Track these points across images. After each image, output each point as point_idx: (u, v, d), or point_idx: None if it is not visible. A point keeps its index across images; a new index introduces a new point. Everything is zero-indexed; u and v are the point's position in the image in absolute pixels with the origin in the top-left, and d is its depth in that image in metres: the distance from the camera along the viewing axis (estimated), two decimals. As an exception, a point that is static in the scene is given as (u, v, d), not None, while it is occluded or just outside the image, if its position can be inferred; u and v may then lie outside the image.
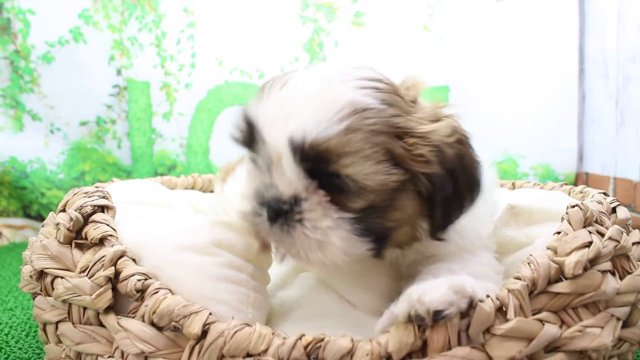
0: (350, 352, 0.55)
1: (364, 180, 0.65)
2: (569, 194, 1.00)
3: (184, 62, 1.86)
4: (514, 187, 1.22)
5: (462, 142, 0.75)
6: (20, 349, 0.91)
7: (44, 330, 0.70)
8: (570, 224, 0.67)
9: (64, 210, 0.75)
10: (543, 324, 0.58)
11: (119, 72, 1.85)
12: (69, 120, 1.85)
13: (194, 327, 0.57)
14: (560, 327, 0.59)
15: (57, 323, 0.67)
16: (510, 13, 1.84)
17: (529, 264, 0.62)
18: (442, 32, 1.85)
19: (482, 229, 0.79)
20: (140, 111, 1.85)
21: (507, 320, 0.57)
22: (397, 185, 0.67)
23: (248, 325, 0.57)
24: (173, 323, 0.58)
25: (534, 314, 0.59)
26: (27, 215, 1.87)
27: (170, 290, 0.62)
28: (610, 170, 1.65)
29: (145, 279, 0.62)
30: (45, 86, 1.83)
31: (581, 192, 0.96)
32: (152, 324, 0.60)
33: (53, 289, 0.67)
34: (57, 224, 0.70)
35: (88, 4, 1.82)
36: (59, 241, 0.70)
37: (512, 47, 1.85)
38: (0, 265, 1.48)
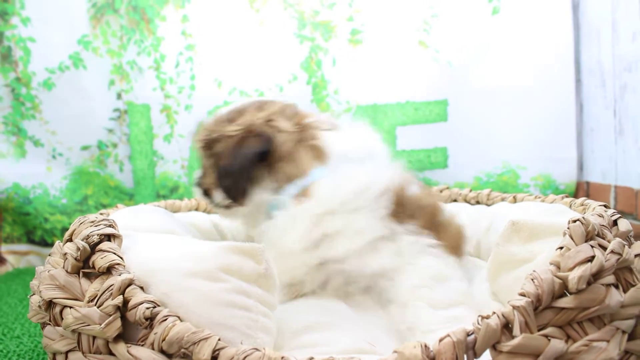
0: (360, 374, 0.55)
1: None
2: (570, 206, 1.00)
3: (184, 84, 1.87)
4: (515, 200, 1.23)
5: None
6: (29, 377, 0.92)
7: (54, 360, 0.71)
8: (572, 238, 0.67)
9: (70, 240, 0.75)
10: (549, 340, 0.59)
11: (119, 96, 1.87)
12: (70, 145, 1.86)
13: (204, 353, 0.57)
14: (566, 341, 0.60)
15: (67, 353, 0.68)
16: (505, 26, 1.85)
17: (532, 279, 0.62)
18: (439, 47, 1.86)
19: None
20: (141, 134, 1.86)
21: (513, 337, 0.58)
22: None
23: (257, 349, 0.57)
24: (183, 350, 0.59)
25: (539, 330, 0.60)
26: (31, 241, 1.88)
27: (179, 317, 0.62)
28: (611, 178, 1.66)
29: (154, 307, 0.63)
30: (47, 112, 1.84)
31: (582, 205, 0.97)
32: (162, 351, 0.60)
33: (62, 318, 0.68)
34: (65, 253, 0.71)
35: (87, 30, 1.84)
36: (66, 271, 0.70)
37: (508, 59, 1.86)
38: (6, 292, 1.48)
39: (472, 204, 1.35)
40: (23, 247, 1.88)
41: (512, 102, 1.87)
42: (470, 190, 1.38)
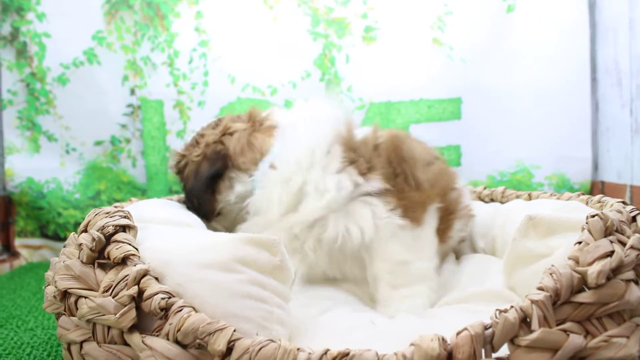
0: (376, 366, 0.55)
1: None
2: (587, 203, 0.99)
3: (197, 80, 1.87)
4: (530, 198, 1.22)
5: None
6: (42, 369, 0.92)
7: (69, 350, 0.71)
8: (591, 233, 0.66)
9: (85, 231, 0.75)
10: (568, 335, 0.58)
11: (132, 92, 1.87)
12: (84, 140, 1.87)
13: (219, 344, 0.57)
14: (585, 337, 0.59)
15: (81, 343, 0.68)
16: (520, 24, 1.84)
17: (551, 274, 0.62)
18: (453, 45, 1.85)
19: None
20: (154, 130, 1.86)
21: (531, 331, 0.57)
22: None
23: (273, 341, 0.57)
24: (198, 340, 0.58)
25: (557, 325, 0.59)
26: (44, 235, 1.88)
27: (194, 308, 0.62)
28: (627, 178, 1.64)
29: (169, 297, 0.62)
30: (61, 107, 1.85)
31: (599, 202, 0.95)
32: (177, 341, 0.60)
33: (77, 308, 0.68)
34: (80, 244, 0.71)
35: (101, 26, 1.85)
36: (81, 261, 0.70)
37: (523, 57, 1.85)
38: (20, 285, 1.49)
39: (486, 202, 1.34)
40: (36, 241, 1.89)
41: (526, 100, 1.86)
42: (485, 188, 1.36)
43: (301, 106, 1.15)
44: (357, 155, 1.00)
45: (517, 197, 1.25)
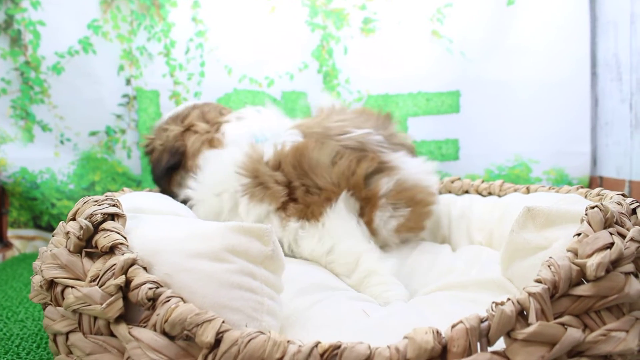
0: (368, 359, 0.53)
1: None
2: (586, 196, 0.98)
3: (193, 70, 1.86)
4: (528, 191, 1.20)
5: None
6: (31, 360, 0.90)
7: (54, 341, 0.69)
8: (590, 225, 0.65)
9: (74, 219, 0.74)
10: (566, 328, 0.56)
11: (128, 82, 1.85)
12: (78, 130, 1.85)
13: (207, 335, 0.55)
14: (584, 331, 0.58)
15: (67, 333, 0.66)
16: (520, 17, 1.83)
17: (549, 266, 0.60)
18: (452, 37, 1.84)
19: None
20: (149, 120, 1.84)
21: (528, 325, 0.56)
22: None
23: (262, 333, 0.55)
24: (185, 332, 0.57)
25: (555, 318, 0.57)
26: (38, 226, 1.87)
27: (182, 298, 0.60)
28: (626, 173, 1.63)
29: (157, 287, 0.60)
30: (55, 97, 1.82)
31: (598, 195, 0.94)
32: (164, 333, 0.58)
33: (63, 298, 0.66)
34: (67, 232, 0.69)
35: (97, 15, 1.83)
36: (69, 250, 0.69)
37: (522, 51, 1.83)
38: (12, 276, 1.47)
39: (484, 195, 1.32)
40: (29, 232, 1.87)
41: (525, 94, 1.85)
42: (482, 182, 1.35)
43: (243, 123, 1.26)
44: (258, 181, 1.10)
45: (515, 190, 1.23)
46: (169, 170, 1.27)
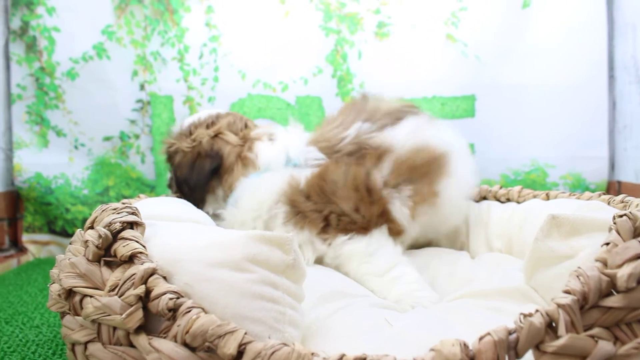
0: (395, 372, 0.52)
1: None
2: (609, 203, 0.96)
3: (207, 75, 1.85)
4: (548, 197, 1.19)
5: None
6: (47, 368, 0.90)
7: (73, 350, 0.68)
8: (619, 234, 0.63)
9: (92, 227, 0.73)
10: (596, 341, 0.55)
11: (142, 87, 1.85)
12: (93, 135, 1.85)
13: (229, 347, 0.54)
14: (614, 343, 0.56)
15: (86, 343, 0.65)
16: (535, 20, 1.81)
17: (578, 276, 0.58)
18: (467, 41, 1.82)
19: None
20: (163, 125, 1.84)
21: (558, 337, 0.54)
22: None
23: (286, 344, 0.54)
24: (207, 343, 0.56)
25: (585, 330, 0.56)
26: (52, 231, 1.87)
27: (203, 309, 0.59)
28: (645, 178, 1.61)
29: (177, 298, 0.60)
30: (70, 102, 1.83)
31: (622, 202, 0.92)
32: (185, 344, 0.57)
33: (82, 308, 0.65)
34: (86, 241, 0.69)
35: (111, 20, 1.83)
36: (87, 259, 0.68)
37: (538, 54, 1.81)
38: (27, 281, 1.47)
39: (502, 202, 1.31)
40: (44, 237, 1.88)
41: (541, 98, 1.82)
42: (501, 187, 1.33)
43: (276, 145, 1.22)
44: (297, 210, 1.11)
45: (535, 196, 1.22)
46: (211, 173, 1.22)
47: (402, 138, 1.16)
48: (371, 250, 1.06)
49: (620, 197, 0.94)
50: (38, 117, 1.83)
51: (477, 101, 1.84)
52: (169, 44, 1.85)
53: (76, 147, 1.85)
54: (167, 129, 1.84)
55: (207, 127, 1.27)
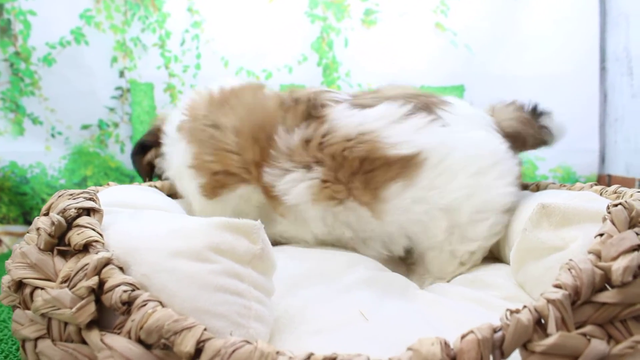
0: (367, 374, 0.47)
1: None
2: (601, 194, 0.91)
3: (189, 63, 1.80)
4: (537, 188, 1.14)
5: None
6: (8, 364, 0.85)
7: (24, 347, 0.63)
8: (614, 224, 0.59)
9: (47, 214, 0.68)
10: (589, 339, 0.50)
11: (121, 74, 1.79)
12: (70, 124, 1.80)
13: (186, 344, 0.49)
14: (608, 342, 0.51)
15: (36, 340, 0.59)
16: (526, 9, 1.77)
17: (569, 269, 0.54)
18: (457, 30, 1.78)
19: None
20: (143, 114, 1.79)
21: (547, 335, 0.49)
22: None
23: (248, 342, 0.49)
24: (163, 340, 0.51)
25: (577, 328, 0.51)
26: (28, 222, 1.82)
27: (160, 302, 0.54)
28: (636, 171, 1.57)
29: (133, 290, 0.54)
30: (46, 89, 1.77)
31: (615, 192, 0.87)
32: (140, 341, 0.52)
33: (32, 301, 0.60)
34: (38, 228, 0.63)
35: (90, 4, 1.77)
36: (39, 248, 0.62)
37: (529, 44, 1.77)
38: (1, 274, 1.41)
39: (490, 193, 1.26)
40: (19, 228, 1.82)
41: (531, 89, 1.78)
42: (489, 178, 1.29)
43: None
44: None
45: (525, 187, 1.17)
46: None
47: (353, 121, 0.96)
48: None
49: (613, 187, 0.89)
50: (13, 104, 1.77)
51: (466, 91, 1.80)
52: (150, 29, 1.79)
53: (53, 136, 1.79)
54: (147, 117, 1.79)
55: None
